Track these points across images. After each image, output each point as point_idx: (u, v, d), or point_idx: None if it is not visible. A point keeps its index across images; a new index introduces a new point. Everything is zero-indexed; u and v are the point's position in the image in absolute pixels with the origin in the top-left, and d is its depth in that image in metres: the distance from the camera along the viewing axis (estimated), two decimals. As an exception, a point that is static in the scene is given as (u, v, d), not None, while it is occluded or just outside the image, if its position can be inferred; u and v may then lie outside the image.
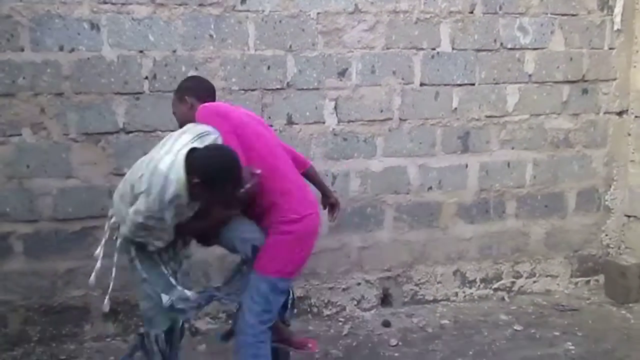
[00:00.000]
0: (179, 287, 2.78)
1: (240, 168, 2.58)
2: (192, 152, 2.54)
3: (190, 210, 2.65)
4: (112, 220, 2.88)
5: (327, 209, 3.35)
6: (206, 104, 2.88)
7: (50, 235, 3.79)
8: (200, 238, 2.96)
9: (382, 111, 4.26)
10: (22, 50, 3.62)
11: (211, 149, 2.60)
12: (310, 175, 3.26)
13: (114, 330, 4.01)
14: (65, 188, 3.79)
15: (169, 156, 2.54)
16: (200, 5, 3.84)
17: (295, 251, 2.87)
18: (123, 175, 3.76)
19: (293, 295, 3.26)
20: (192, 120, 2.82)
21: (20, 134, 3.69)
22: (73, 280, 3.88)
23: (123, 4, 3.72)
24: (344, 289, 4.38)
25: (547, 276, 4.82)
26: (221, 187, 2.54)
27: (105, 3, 3.70)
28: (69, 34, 3.67)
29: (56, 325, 3.92)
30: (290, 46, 4.02)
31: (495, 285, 4.71)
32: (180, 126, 2.87)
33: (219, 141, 2.67)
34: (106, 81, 3.77)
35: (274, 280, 2.85)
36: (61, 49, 3.68)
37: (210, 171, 2.50)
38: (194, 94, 2.95)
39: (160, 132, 3.87)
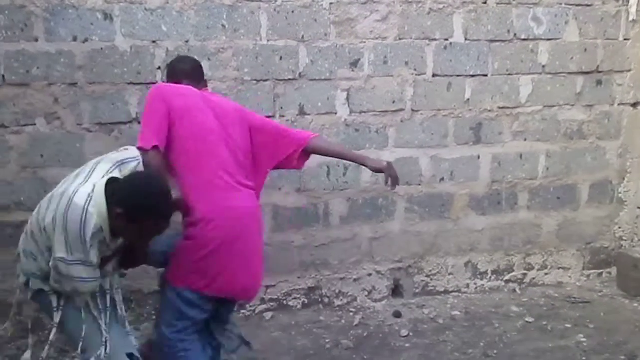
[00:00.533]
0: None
1: (168, 197, 2.33)
2: (113, 181, 2.30)
3: (110, 249, 2.38)
4: (21, 279, 2.47)
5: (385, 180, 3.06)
6: (159, 84, 2.80)
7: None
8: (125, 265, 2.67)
9: (394, 102, 4.25)
10: (36, 40, 3.64)
11: (135, 177, 2.36)
12: (320, 149, 3.06)
13: (127, 318, 4.03)
14: (78, 178, 3.82)
15: (85, 187, 2.26)
16: (213, -5, 3.85)
17: (194, 259, 2.67)
18: (136, 165, 3.83)
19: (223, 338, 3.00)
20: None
21: (35, 124, 3.72)
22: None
23: (136, -6, 3.74)
24: (355, 280, 4.39)
25: (559, 268, 4.80)
26: (148, 219, 2.27)
27: (119, -7, 3.71)
28: (82, 25, 3.69)
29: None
30: (303, 36, 4.02)
31: (507, 277, 4.70)
32: None
33: (140, 168, 2.45)
34: (119, 71, 3.78)
35: (179, 290, 2.72)
36: (75, 39, 3.69)
37: (135, 201, 2.23)
38: (189, 77, 2.93)
39: (172, 123, 3.88)
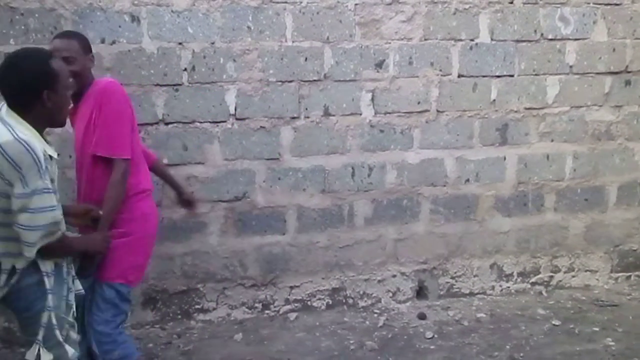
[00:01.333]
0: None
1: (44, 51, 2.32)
2: (6, 100, 2.18)
3: (51, 172, 2.24)
4: None
5: (184, 207, 3.45)
6: (117, 84, 2.84)
7: (91, 224, 3.86)
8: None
9: (419, 103, 4.23)
10: (65, 42, 3.69)
11: (12, 64, 2.18)
12: (159, 170, 3.35)
13: (153, 317, 4.08)
14: (106, 178, 3.86)
15: None
16: (238, -3, 3.87)
17: (137, 254, 2.85)
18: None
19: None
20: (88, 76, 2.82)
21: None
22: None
23: (163, -4, 3.77)
24: (379, 281, 4.38)
25: (586, 271, 4.74)
26: (57, 74, 2.20)
27: (146, -4, 3.75)
28: (110, 27, 3.73)
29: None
30: (328, 37, 4.02)
31: (533, 280, 4.66)
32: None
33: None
34: (146, 73, 3.82)
35: (117, 286, 2.78)
36: (102, 41, 3.74)
37: (40, 69, 2.16)
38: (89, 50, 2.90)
39: (198, 123, 3.93)
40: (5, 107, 2.19)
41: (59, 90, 2.20)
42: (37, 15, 3.63)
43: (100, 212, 2.67)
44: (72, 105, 2.54)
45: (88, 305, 2.81)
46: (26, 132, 2.13)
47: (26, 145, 2.07)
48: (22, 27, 3.62)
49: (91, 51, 2.90)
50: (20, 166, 2.06)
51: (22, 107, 2.17)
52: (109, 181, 2.72)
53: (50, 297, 2.24)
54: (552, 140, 4.51)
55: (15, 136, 2.08)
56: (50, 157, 2.22)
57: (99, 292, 2.78)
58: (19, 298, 2.26)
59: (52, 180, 2.21)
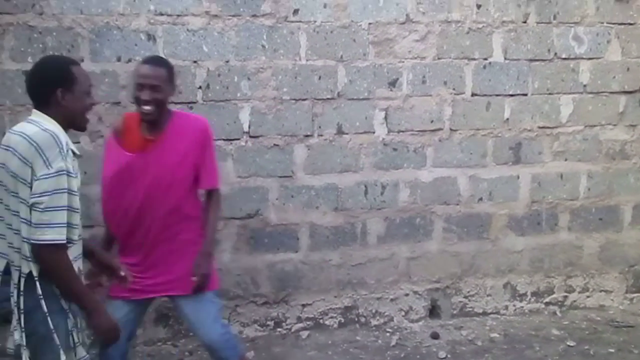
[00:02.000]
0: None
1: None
2: (37, 108, 2.22)
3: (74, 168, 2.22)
4: None
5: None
6: None
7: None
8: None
9: (432, 121, 4.24)
10: (82, 60, 3.73)
11: (35, 68, 2.29)
12: None
13: (165, 334, 4.08)
14: (120, 195, 3.89)
15: (21, 127, 2.18)
16: (253, 16, 3.90)
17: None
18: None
19: None
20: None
21: (79, 142, 3.79)
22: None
23: (179, 15, 3.81)
24: (392, 300, 4.36)
25: (601, 291, 4.70)
26: (76, 73, 2.25)
27: (162, 15, 3.79)
28: (126, 45, 3.78)
29: (109, 328, 4.01)
30: (341, 56, 4.05)
31: (547, 299, 4.62)
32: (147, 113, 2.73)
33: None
34: (161, 91, 3.85)
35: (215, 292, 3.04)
36: (119, 59, 3.78)
37: (58, 68, 2.24)
38: None
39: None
40: (33, 111, 2.25)
41: (76, 92, 2.24)
42: (54, 33, 3.68)
43: (123, 273, 2.58)
44: (141, 137, 2.76)
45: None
46: (52, 126, 2.18)
47: (51, 133, 2.13)
48: (40, 46, 3.67)
49: (175, 81, 2.93)
50: (43, 148, 2.10)
51: (41, 105, 2.22)
52: (211, 208, 2.97)
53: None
54: (566, 160, 4.49)
55: (41, 127, 2.15)
56: (74, 153, 2.23)
57: (208, 302, 2.93)
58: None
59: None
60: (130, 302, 2.83)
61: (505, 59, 4.29)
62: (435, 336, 4.17)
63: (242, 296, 4.16)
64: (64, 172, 2.10)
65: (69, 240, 2.16)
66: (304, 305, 4.25)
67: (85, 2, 3.70)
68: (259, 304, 4.19)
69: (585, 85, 4.43)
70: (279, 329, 4.23)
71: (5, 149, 2.17)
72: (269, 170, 4.06)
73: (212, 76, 3.91)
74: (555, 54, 4.35)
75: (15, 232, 2.15)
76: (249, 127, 4.00)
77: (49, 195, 2.08)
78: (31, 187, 2.09)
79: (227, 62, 3.92)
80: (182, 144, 2.82)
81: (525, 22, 4.27)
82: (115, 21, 3.75)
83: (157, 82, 2.71)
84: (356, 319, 4.33)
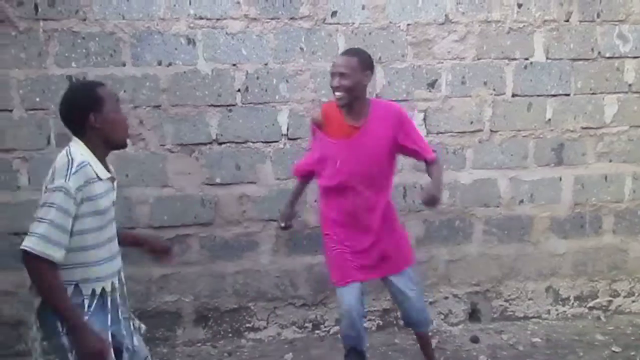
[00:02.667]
0: None
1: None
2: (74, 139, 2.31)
3: (107, 183, 2.36)
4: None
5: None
6: None
7: (146, 241, 3.93)
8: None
9: (472, 122, 4.19)
10: (124, 65, 3.80)
11: (64, 96, 2.36)
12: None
13: (204, 335, 4.13)
14: (160, 197, 3.94)
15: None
16: (291, 19, 3.91)
17: None
18: (215, 184, 3.94)
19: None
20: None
21: (121, 145, 3.87)
22: (166, 286, 4.02)
23: (218, 19, 3.85)
24: (431, 303, 4.31)
25: (647, 296, 4.59)
26: (106, 99, 2.30)
27: (201, 19, 3.83)
28: (167, 49, 3.83)
29: (150, 328, 3.99)
30: (380, 57, 4.03)
31: (591, 304, 4.52)
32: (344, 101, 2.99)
33: None
34: (201, 94, 3.90)
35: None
36: (159, 63, 3.84)
37: (86, 95, 2.30)
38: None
39: (251, 144, 3.98)
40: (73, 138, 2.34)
41: (105, 112, 2.29)
42: (97, 38, 3.76)
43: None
44: (345, 125, 3.04)
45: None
46: (77, 150, 2.26)
47: (70, 156, 2.22)
48: (84, 51, 3.75)
49: (370, 69, 3.08)
50: (57, 168, 2.20)
51: (78, 133, 2.31)
52: (433, 167, 3.16)
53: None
54: (610, 161, 4.39)
55: (66, 151, 2.26)
56: (99, 177, 2.28)
57: (407, 278, 3.24)
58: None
59: (99, 200, 2.27)
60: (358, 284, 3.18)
61: (547, 58, 4.21)
62: (475, 340, 4.12)
63: (281, 298, 4.17)
64: (62, 189, 2.15)
65: (77, 264, 2.24)
66: (342, 308, 4.24)
67: (127, 7, 3.76)
68: (298, 305, 4.20)
69: (630, 85, 4.32)
70: (317, 331, 4.23)
71: None
72: (307, 172, 4.06)
73: (251, 79, 3.93)
74: (599, 53, 4.26)
75: None
76: (287, 130, 4.01)
77: (40, 206, 2.17)
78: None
79: (266, 64, 3.94)
80: (383, 129, 3.06)
81: (567, 20, 4.19)
82: (156, 26, 3.80)
83: (345, 70, 2.95)
84: (394, 322, 4.30)
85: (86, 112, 2.26)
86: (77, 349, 2.19)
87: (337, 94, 2.98)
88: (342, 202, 3.13)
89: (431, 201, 2.99)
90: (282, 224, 3.47)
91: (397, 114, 3.12)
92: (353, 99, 3.00)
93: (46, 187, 2.20)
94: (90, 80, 2.53)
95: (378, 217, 3.14)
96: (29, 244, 2.11)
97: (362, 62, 3.00)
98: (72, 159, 2.20)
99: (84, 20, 3.74)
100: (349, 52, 3.09)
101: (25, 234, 2.13)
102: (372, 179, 3.10)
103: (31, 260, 2.12)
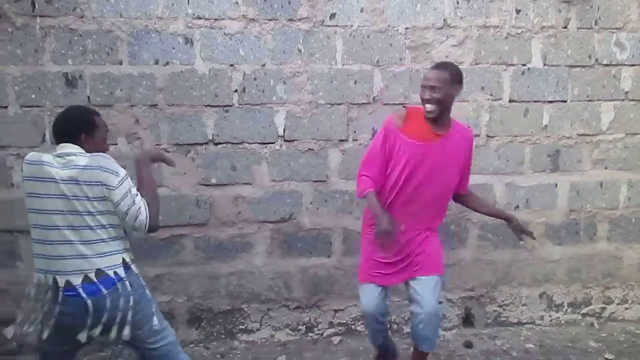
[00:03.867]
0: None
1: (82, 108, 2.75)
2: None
3: None
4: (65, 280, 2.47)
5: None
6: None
7: (140, 241, 3.87)
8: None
9: (469, 127, 4.17)
10: (121, 63, 3.78)
11: (66, 113, 2.63)
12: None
13: (197, 336, 4.10)
14: (155, 196, 3.92)
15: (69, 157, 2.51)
16: (290, 20, 3.90)
17: None
18: (210, 185, 3.92)
19: None
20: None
21: (116, 143, 3.85)
22: (160, 286, 4.00)
23: (216, 19, 3.84)
24: (425, 307, 4.30)
25: (640, 303, 4.59)
26: (95, 118, 2.62)
27: (199, 18, 3.82)
28: (164, 48, 3.82)
29: (143, 329, 4.04)
30: (378, 61, 4.02)
31: (584, 311, 4.52)
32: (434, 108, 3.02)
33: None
34: (197, 94, 3.88)
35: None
36: (156, 62, 3.82)
37: (84, 116, 2.59)
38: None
39: (247, 144, 3.96)
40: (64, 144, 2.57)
41: (96, 137, 2.59)
42: (94, 36, 3.74)
43: None
44: (429, 130, 3.08)
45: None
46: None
47: (93, 154, 2.53)
48: (80, 48, 3.74)
49: (459, 83, 3.10)
50: (101, 164, 2.49)
51: (68, 142, 2.55)
52: (476, 197, 3.41)
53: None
54: (606, 168, 4.39)
55: (88, 154, 2.52)
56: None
57: (431, 285, 3.16)
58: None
59: None
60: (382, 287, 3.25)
61: (545, 64, 4.21)
62: (468, 345, 4.11)
63: (275, 300, 4.15)
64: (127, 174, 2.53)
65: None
66: (336, 311, 4.23)
67: (124, 5, 3.75)
68: (292, 308, 4.19)
69: (626, 92, 4.33)
70: (310, 334, 4.22)
71: None
72: (303, 174, 4.06)
73: (248, 80, 3.92)
74: (597, 60, 4.26)
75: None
76: (284, 131, 4.00)
77: (125, 195, 2.50)
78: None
79: (264, 65, 3.93)
80: (461, 148, 3.17)
81: (565, 27, 4.20)
82: (153, 24, 3.79)
83: (437, 84, 3.00)
84: (388, 326, 4.28)
85: (79, 133, 2.54)
86: None
87: (428, 106, 3.03)
88: (400, 206, 3.14)
89: (528, 233, 3.28)
90: (390, 230, 2.90)
91: (471, 140, 3.27)
92: (442, 111, 3.05)
93: (111, 185, 2.44)
94: (90, 108, 2.74)
95: (423, 235, 3.20)
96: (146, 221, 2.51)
97: (453, 76, 3.04)
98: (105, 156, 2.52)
99: (82, 17, 3.72)
100: (441, 66, 3.12)
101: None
102: (441, 188, 3.15)
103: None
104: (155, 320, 2.64)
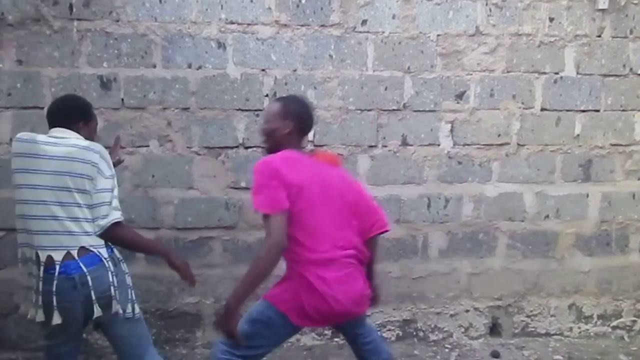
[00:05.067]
0: None
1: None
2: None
3: None
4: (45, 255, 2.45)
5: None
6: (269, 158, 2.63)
7: (169, 243, 3.95)
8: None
9: (499, 135, 4.16)
10: (154, 67, 3.84)
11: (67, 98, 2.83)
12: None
13: (224, 339, 4.12)
14: (185, 198, 3.97)
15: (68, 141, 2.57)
16: (321, 26, 3.93)
17: None
18: (240, 188, 3.94)
19: None
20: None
21: (148, 145, 3.90)
22: (188, 287, 4.02)
23: (249, 24, 3.87)
24: (451, 315, 4.28)
25: (672, 317, 4.51)
26: (91, 112, 2.75)
27: (232, 23, 3.86)
28: (197, 52, 3.86)
29: (170, 329, 4.08)
30: (409, 67, 4.02)
31: (614, 323, 4.45)
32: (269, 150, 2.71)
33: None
34: (229, 98, 3.92)
35: None
36: (189, 66, 3.87)
37: (80, 105, 2.73)
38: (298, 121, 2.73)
39: (277, 149, 3.98)
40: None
41: (90, 126, 2.72)
42: (129, 40, 3.80)
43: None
44: None
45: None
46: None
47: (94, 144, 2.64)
48: (115, 51, 3.80)
49: (292, 119, 2.71)
50: (103, 155, 2.60)
51: (64, 126, 2.64)
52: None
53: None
54: (638, 179, 4.33)
55: (88, 143, 2.62)
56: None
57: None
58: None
59: None
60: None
61: (578, 73, 4.17)
62: (495, 355, 4.07)
63: (301, 304, 4.16)
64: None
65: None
66: (362, 317, 4.22)
67: (159, 10, 3.80)
68: (317, 313, 4.19)
69: (661, 103, 4.27)
70: (336, 339, 4.21)
71: None
72: (332, 179, 4.06)
73: (280, 85, 3.95)
74: (631, 69, 4.21)
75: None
76: (314, 136, 4.01)
77: (109, 190, 2.60)
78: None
79: (295, 71, 3.95)
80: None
81: (599, 36, 4.16)
82: (187, 29, 3.84)
83: (267, 117, 2.71)
84: (414, 333, 4.27)
85: (78, 119, 2.66)
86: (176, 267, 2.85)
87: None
88: None
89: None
90: None
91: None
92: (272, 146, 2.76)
93: (103, 172, 2.53)
94: (85, 100, 2.86)
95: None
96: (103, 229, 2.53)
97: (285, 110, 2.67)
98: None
99: (117, 21, 3.79)
100: (276, 100, 2.81)
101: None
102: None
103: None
104: (130, 308, 2.66)
